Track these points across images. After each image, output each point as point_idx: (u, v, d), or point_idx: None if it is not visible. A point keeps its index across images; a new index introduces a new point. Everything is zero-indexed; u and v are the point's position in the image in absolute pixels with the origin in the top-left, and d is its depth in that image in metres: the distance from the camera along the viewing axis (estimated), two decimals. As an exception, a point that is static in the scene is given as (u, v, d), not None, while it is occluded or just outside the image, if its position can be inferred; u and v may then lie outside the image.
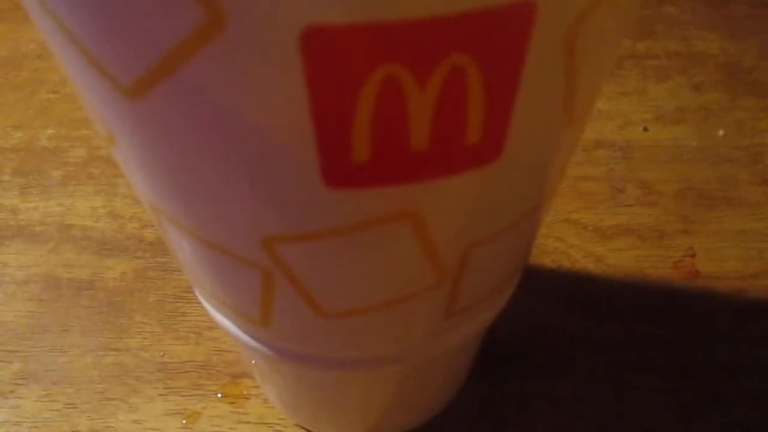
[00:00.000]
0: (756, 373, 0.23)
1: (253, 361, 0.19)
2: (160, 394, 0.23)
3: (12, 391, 0.23)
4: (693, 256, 0.26)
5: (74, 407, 0.22)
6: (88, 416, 0.22)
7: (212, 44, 0.07)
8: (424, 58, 0.07)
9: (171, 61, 0.08)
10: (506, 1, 0.07)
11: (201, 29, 0.07)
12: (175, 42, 0.07)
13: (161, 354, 0.24)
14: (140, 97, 0.08)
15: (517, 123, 0.09)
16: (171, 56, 0.07)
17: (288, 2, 0.07)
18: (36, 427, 0.22)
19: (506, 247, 0.13)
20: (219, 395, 0.23)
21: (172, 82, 0.08)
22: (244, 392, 0.23)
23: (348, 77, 0.07)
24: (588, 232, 0.27)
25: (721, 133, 0.31)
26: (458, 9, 0.07)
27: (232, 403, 0.22)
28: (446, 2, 0.07)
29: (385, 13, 0.07)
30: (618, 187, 0.29)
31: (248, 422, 0.22)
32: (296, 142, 0.08)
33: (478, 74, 0.08)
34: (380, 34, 0.07)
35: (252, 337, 0.15)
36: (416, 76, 0.08)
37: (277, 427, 0.22)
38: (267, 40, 0.07)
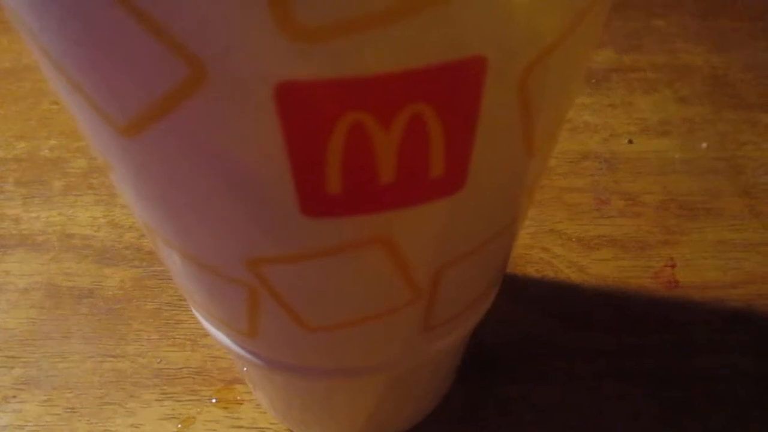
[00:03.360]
0: (734, 382, 0.24)
1: (245, 369, 0.20)
2: (157, 399, 0.23)
3: (14, 396, 0.24)
4: (673, 266, 0.27)
5: (74, 412, 0.23)
6: (88, 420, 0.23)
7: (196, 95, 0.08)
8: (386, 108, 0.08)
9: (160, 108, 0.08)
10: (458, 56, 0.08)
11: (185, 82, 0.08)
12: (162, 92, 0.08)
13: (158, 360, 0.25)
14: (134, 135, 0.09)
15: (478, 159, 0.10)
16: (160, 104, 0.08)
17: (261, 61, 0.07)
18: (37, 431, 0.23)
19: (478, 266, 0.13)
20: (213, 400, 0.23)
21: (162, 126, 0.09)
22: (238, 397, 0.23)
23: (319, 124, 0.08)
24: (572, 242, 0.28)
25: (704, 145, 0.32)
26: (414, 65, 0.08)
27: (225, 408, 0.23)
28: (403, 60, 0.08)
29: (349, 70, 0.08)
30: (602, 198, 0.30)
31: (241, 426, 0.23)
32: (275, 178, 0.09)
33: (436, 120, 0.09)
34: (345, 87, 0.08)
35: (241, 347, 0.16)
36: (380, 121, 0.08)
37: (269, 432, 0.23)
38: (244, 93, 0.08)
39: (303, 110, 0.08)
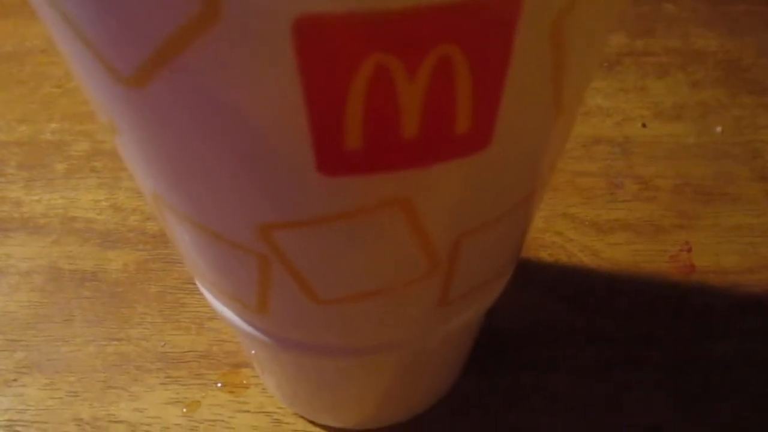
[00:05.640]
0: (750, 368, 0.24)
1: (253, 351, 0.19)
2: (161, 383, 0.23)
3: (15, 380, 0.23)
4: (689, 250, 0.27)
5: (76, 395, 0.23)
6: (90, 404, 0.22)
7: (208, 33, 0.07)
8: (414, 48, 0.08)
9: (168, 50, 0.08)
10: (492, -8, 0.07)
11: (197, 18, 0.07)
12: (171, 31, 0.08)
13: (162, 344, 0.24)
14: (139, 86, 0.09)
15: (506, 113, 0.09)
16: (168, 45, 0.08)
17: (280, -9, 0.07)
18: (39, 415, 0.22)
19: (498, 238, 0.13)
20: (219, 384, 0.23)
21: (170, 72, 0.08)
22: (244, 381, 0.23)
23: (340, 67, 0.08)
24: (585, 226, 0.28)
25: (718, 129, 0.32)
26: (444, 0, 0.07)
27: (231, 392, 0.23)
28: (433, -7, 0.07)
29: (375, 2, 0.07)
30: (616, 182, 0.29)
31: (247, 411, 0.22)
32: (290, 129, 0.09)
33: (465, 64, 0.08)
34: (371, 23, 0.07)
35: (250, 324, 0.16)
36: (406, 66, 0.08)
37: (276, 416, 0.22)
38: (260, 30, 0.07)
39: (323, 50, 0.07)
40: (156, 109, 0.09)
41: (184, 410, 0.22)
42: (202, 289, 0.17)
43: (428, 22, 0.07)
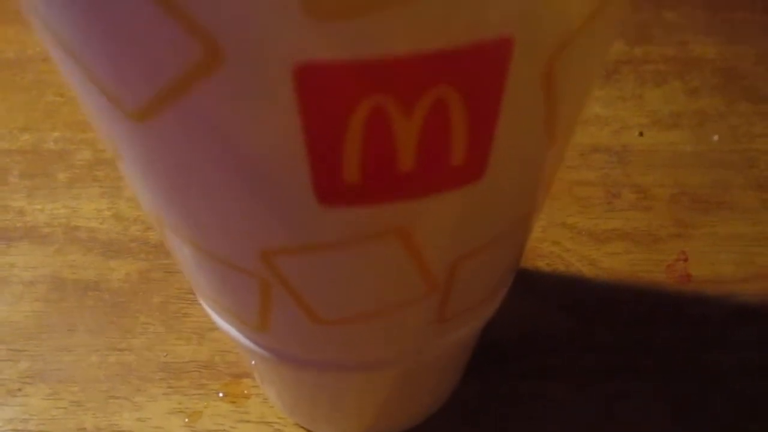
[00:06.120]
0: (746, 377, 0.24)
1: (253, 362, 0.19)
2: (164, 393, 0.23)
3: (19, 390, 0.24)
4: (685, 260, 0.27)
5: (80, 405, 0.23)
6: (94, 414, 0.23)
7: (211, 77, 0.08)
8: (409, 91, 0.08)
9: (173, 91, 0.08)
10: (484, 37, 0.08)
11: (200, 64, 0.08)
12: (176, 74, 0.08)
13: (164, 354, 0.24)
14: (145, 121, 0.09)
15: (499, 146, 0.09)
16: (173, 87, 0.08)
17: (280, 42, 0.07)
18: (43, 425, 0.23)
19: (493, 259, 0.13)
20: (220, 394, 0.23)
21: (175, 110, 0.08)
22: (245, 392, 0.23)
23: (338, 107, 0.08)
24: (583, 236, 0.28)
25: (715, 138, 0.32)
26: (439, 46, 0.07)
27: (233, 402, 0.23)
28: (427, 40, 0.07)
29: (370, 50, 0.07)
30: (613, 191, 0.30)
31: (249, 421, 0.23)
32: (291, 164, 0.09)
33: (460, 103, 0.08)
34: (367, 69, 0.07)
35: (251, 340, 0.16)
36: (402, 106, 0.08)
37: (277, 426, 0.22)
38: (262, 75, 0.08)
39: (323, 93, 0.08)
40: (160, 142, 0.09)
41: (186, 420, 0.22)
42: (202, 304, 0.17)
43: (422, 67, 0.08)
